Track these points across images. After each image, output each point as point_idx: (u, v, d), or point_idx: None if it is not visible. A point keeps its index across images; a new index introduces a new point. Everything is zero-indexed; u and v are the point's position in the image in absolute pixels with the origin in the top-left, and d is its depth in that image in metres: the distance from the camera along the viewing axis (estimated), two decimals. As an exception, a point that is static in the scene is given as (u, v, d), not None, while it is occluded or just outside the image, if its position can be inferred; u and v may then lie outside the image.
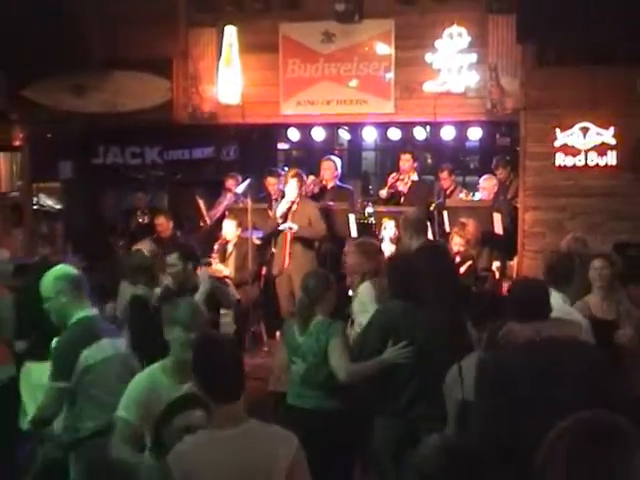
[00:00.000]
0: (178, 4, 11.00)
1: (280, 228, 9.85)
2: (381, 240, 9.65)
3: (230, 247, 10.10)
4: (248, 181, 10.62)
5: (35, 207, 12.05)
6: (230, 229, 10.10)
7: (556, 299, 5.53)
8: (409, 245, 7.76)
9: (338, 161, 11.34)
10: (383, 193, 11.42)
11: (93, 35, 10.66)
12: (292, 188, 9.91)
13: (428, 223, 10.02)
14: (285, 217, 9.90)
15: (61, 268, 5.51)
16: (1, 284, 7.55)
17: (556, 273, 6.13)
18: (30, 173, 11.85)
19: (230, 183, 11.15)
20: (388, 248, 9.54)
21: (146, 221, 11.75)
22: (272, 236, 10.25)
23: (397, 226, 9.63)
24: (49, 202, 12.38)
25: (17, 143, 11.73)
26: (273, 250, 10.27)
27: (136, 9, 10.66)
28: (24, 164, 11.87)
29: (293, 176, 10.06)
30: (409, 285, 5.94)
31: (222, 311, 7.74)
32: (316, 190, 10.84)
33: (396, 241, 9.64)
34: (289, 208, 9.89)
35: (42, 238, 9.52)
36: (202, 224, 11.24)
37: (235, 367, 3.69)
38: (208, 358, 3.69)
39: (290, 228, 9.78)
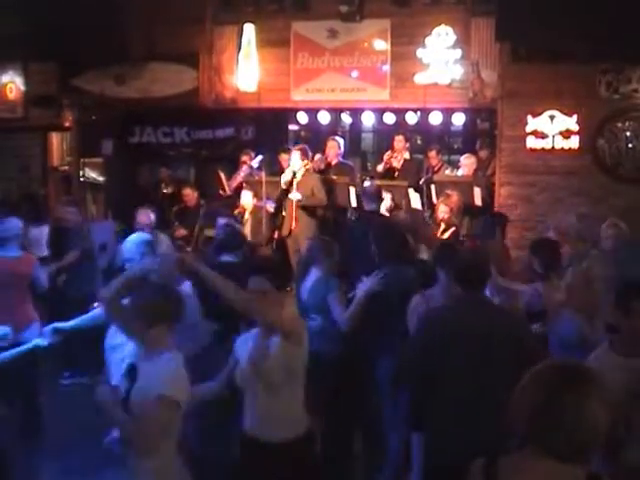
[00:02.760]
0: (205, 6, 11.16)
1: (290, 197, 10.13)
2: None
3: (247, 214, 10.36)
4: (260, 157, 10.95)
5: (82, 179, 12.20)
6: (247, 199, 10.40)
7: None
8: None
9: (341, 141, 11.44)
10: (380, 168, 11.58)
11: (133, 32, 10.87)
12: (295, 159, 10.18)
13: (417, 195, 10.41)
14: (289, 185, 10.17)
15: (140, 235, 5.89)
16: None
17: None
18: (78, 150, 12.07)
19: (245, 158, 11.27)
20: (384, 216, 9.94)
21: (170, 191, 11.87)
22: (281, 202, 10.48)
23: (392, 198, 9.75)
24: (93, 175, 12.50)
25: (67, 124, 11.95)
26: (283, 214, 10.48)
27: (169, 11, 10.84)
28: (73, 142, 12.07)
29: (297, 149, 10.33)
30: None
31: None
32: (322, 166, 11.02)
33: (390, 210, 9.79)
34: (292, 178, 10.14)
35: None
36: (222, 193, 11.32)
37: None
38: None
39: (292, 199, 10.08)
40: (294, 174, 10.18)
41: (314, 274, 6.04)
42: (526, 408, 2.48)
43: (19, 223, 7.12)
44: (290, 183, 10.18)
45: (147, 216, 8.12)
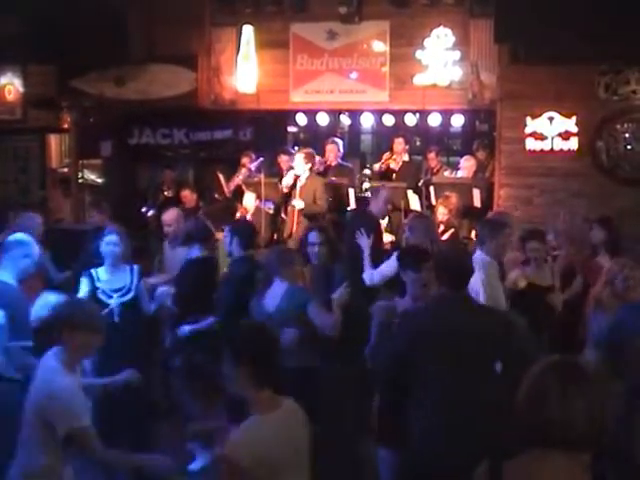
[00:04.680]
0: (203, 8, 11.20)
1: (293, 203, 10.11)
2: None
3: (249, 216, 10.25)
4: (260, 159, 10.98)
5: (80, 181, 12.14)
6: (250, 201, 10.39)
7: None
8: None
9: (341, 143, 11.46)
10: (376, 167, 11.71)
11: (132, 34, 10.82)
12: (298, 163, 10.16)
13: (416, 196, 10.49)
14: (292, 188, 10.18)
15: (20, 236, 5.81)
16: None
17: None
18: (76, 152, 11.98)
19: (245, 160, 11.28)
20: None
21: (171, 194, 11.81)
22: (281, 205, 10.54)
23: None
24: (92, 176, 12.47)
25: (66, 126, 11.93)
26: (283, 216, 10.54)
27: (168, 12, 10.87)
28: (71, 144, 12.00)
29: (301, 153, 10.34)
30: None
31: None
32: (321, 168, 11.00)
33: (389, 212, 9.70)
34: (295, 181, 10.15)
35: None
36: (221, 196, 11.35)
37: (279, 356, 3.55)
38: (257, 348, 3.38)
39: (294, 206, 10.07)
40: (297, 177, 10.16)
41: (278, 285, 5.90)
42: (528, 406, 2.54)
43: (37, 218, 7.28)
44: (292, 187, 10.17)
45: (172, 215, 8.09)
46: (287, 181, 10.28)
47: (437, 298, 4.67)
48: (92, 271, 6.35)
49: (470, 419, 4.20)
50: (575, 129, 9.74)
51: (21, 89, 11.85)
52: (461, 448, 4.09)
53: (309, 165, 10.21)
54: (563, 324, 6.69)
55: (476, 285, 5.74)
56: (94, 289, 6.25)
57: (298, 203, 10.07)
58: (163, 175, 12.35)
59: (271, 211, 10.64)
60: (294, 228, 10.12)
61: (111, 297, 6.22)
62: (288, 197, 10.35)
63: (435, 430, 4.27)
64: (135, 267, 6.45)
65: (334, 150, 11.13)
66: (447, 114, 11.47)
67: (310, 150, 10.58)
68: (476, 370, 4.27)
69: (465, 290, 4.58)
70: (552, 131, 9.80)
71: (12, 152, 12.05)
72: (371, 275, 6.53)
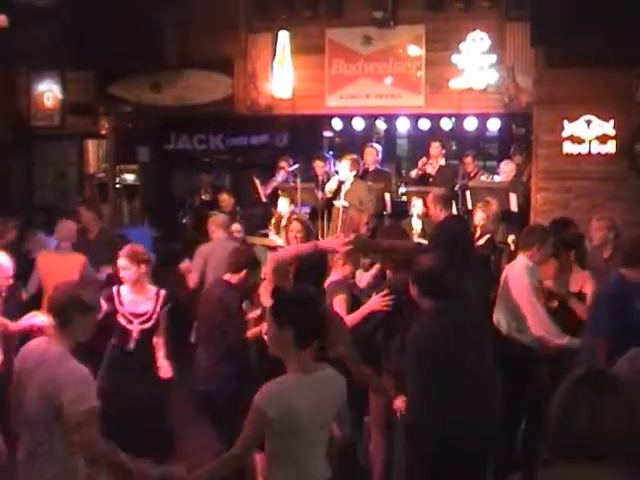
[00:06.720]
0: (239, 13, 11.25)
1: (335, 204, 10.15)
2: (410, 216, 9.93)
3: (284, 221, 10.20)
4: (297, 166, 11.05)
5: (117, 186, 12.34)
6: (284, 205, 10.43)
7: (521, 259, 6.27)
8: (437, 217, 8.08)
9: (379, 147, 11.51)
10: (413, 174, 11.66)
11: (168, 40, 10.91)
12: (344, 169, 10.24)
13: (453, 200, 10.49)
14: (336, 193, 10.24)
15: None
16: None
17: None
18: (114, 157, 12.18)
19: (282, 164, 11.38)
20: (416, 223, 9.91)
21: (208, 198, 12.02)
22: (322, 210, 10.55)
23: (425, 204, 9.67)
24: (129, 181, 12.57)
25: (103, 132, 12.12)
26: (320, 222, 10.52)
27: (204, 18, 10.94)
28: (109, 149, 12.17)
29: (348, 159, 10.37)
30: None
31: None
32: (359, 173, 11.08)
33: (423, 217, 9.82)
34: (339, 186, 10.22)
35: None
36: (258, 200, 11.44)
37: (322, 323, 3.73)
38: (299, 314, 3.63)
39: (338, 206, 10.10)
40: (341, 183, 10.21)
41: (331, 276, 6.17)
42: (559, 420, 2.57)
43: None
44: (336, 192, 10.23)
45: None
46: (331, 186, 10.33)
47: (435, 310, 4.89)
48: (113, 290, 6.10)
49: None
50: (613, 132, 9.68)
51: (59, 96, 12.10)
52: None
53: (354, 172, 10.28)
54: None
55: (518, 286, 6.11)
56: (114, 312, 5.99)
57: (341, 202, 10.09)
58: (199, 180, 12.55)
59: (306, 216, 10.68)
60: (338, 231, 10.01)
61: (132, 322, 5.98)
62: (331, 202, 10.38)
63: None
64: (161, 293, 6.17)
65: (372, 153, 11.19)
66: (483, 118, 11.44)
67: (355, 156, 10.61)
68: (485, 356, 4.91)
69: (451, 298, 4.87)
70: (590, 134, 9.75)
71: (51, 158, 12.28)
72: None
